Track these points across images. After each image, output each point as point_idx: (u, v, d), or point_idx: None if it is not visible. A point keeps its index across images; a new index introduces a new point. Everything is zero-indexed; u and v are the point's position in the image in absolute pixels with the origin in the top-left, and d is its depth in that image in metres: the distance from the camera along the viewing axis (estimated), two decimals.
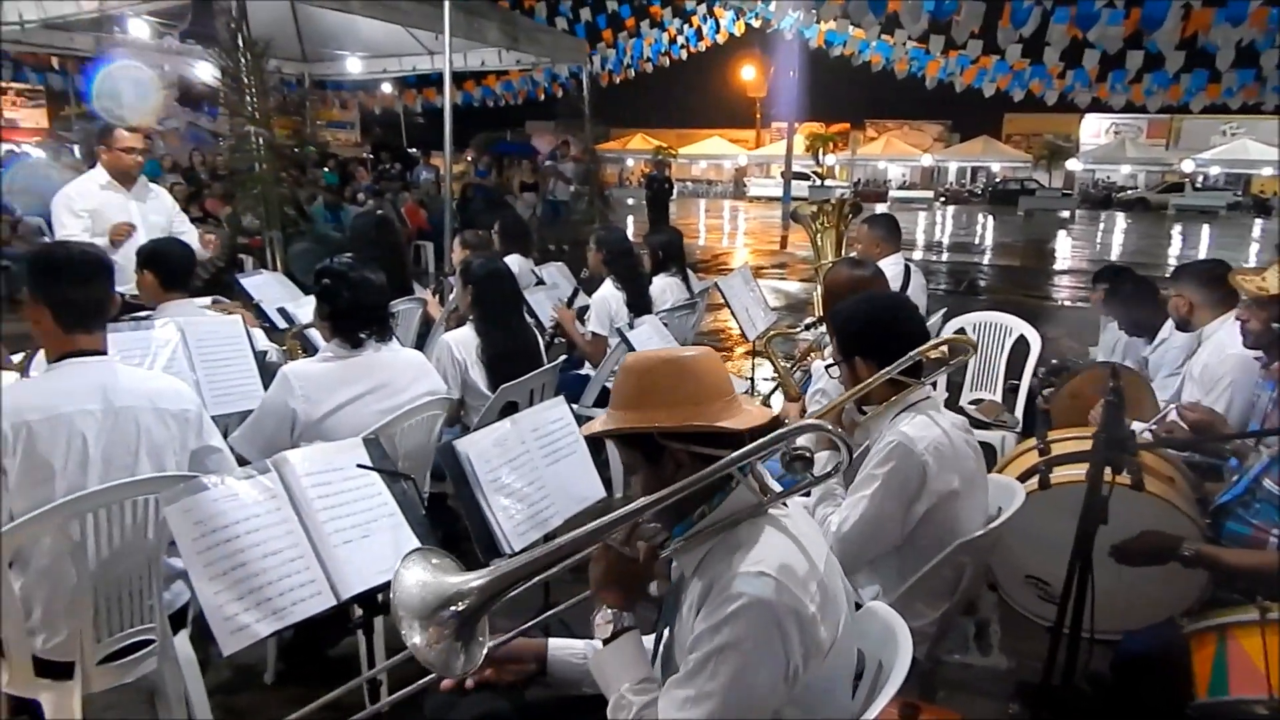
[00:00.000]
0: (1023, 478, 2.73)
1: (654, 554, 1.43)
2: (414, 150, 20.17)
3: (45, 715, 2.03)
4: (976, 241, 21.70)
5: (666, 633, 1.48)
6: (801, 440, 1.40)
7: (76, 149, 13.58)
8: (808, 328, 3.58)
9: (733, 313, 4.85)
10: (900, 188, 42.81)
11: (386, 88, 17.87)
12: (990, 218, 29.57)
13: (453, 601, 1.30)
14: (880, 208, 23.46)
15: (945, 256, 17.35)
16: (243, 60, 7.17)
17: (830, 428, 1.46)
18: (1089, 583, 2.06)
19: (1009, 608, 3.05)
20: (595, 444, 3.31)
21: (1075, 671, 2.19)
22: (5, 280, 8.89)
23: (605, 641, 1.41)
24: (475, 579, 1.34)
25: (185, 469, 2.18)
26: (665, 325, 4.21)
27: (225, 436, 2.54)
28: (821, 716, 1.38)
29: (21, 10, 9.58)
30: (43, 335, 2.09)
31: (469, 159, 15.85)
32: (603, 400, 4.23)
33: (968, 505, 2.10)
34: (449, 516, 3.28)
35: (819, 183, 36.27)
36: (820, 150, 41.23)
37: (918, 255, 16.70)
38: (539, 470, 2.49)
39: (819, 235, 4.89)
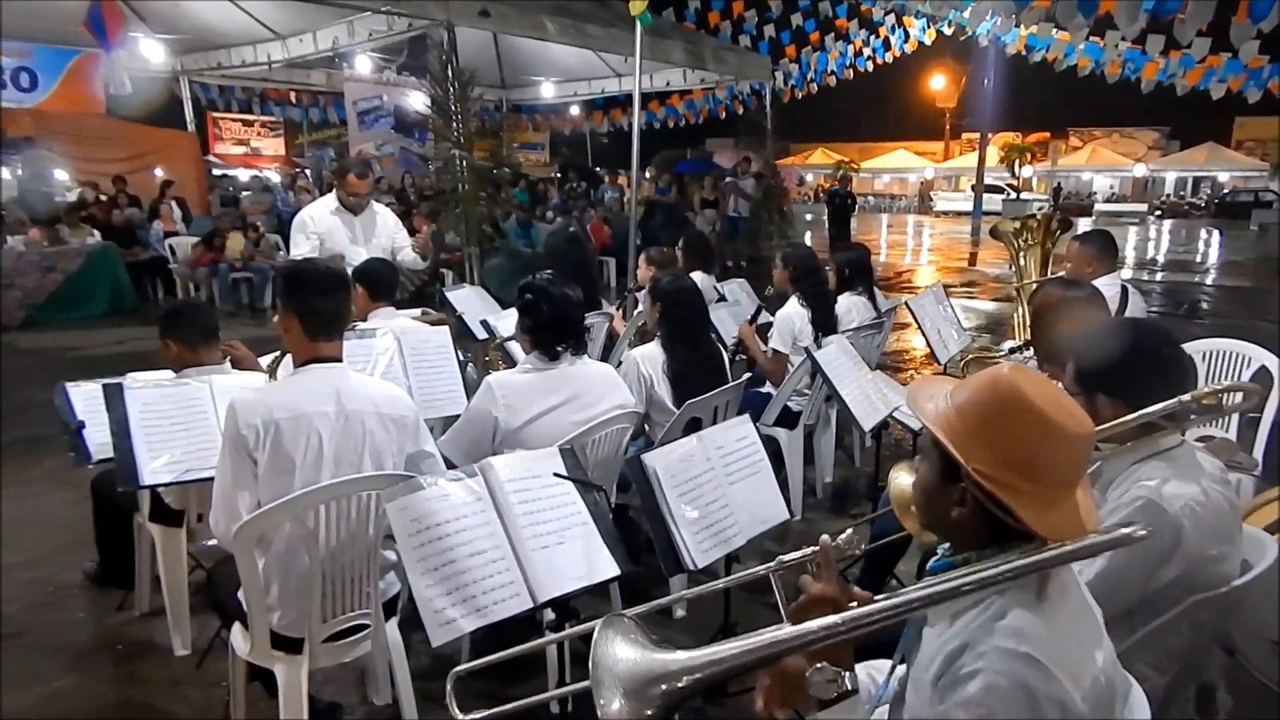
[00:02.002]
0: (1271, 528, 2.42)
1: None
2: (599, 169, 20.94)
3: (278, 683, 2.26)
4: (1198, 259, 19.53)
5: (902, 669, 1.40)
6: None
7: (308, 173, 15.21)
8: (1011, 352, 3.35)
9: (923, 333, 4.64)
10: (1108, 200, 39.42)
11: (574, 110, 18.69)
12: (1215, 233, 26.56)
13: (663, 680, 1.18)
14: (1084, 222, 21.70)
15: (1160, 276, 15.76)
16: (451, 89, 7.75)
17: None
18: None
19: (1242, 672, 2.70)
20: (778, 463, 3.28)
21: None
22: (248, 290, 10.12)
23: (825, 703, 1.25)
24: (693, 662, 1.17)
25: (401, 470, 2.34)
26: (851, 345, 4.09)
27: None
28: None
29: (270, 52, 10.92)
30: (291, 342, 2.32)
31: (649, 177, 16.26)
32: (784, 419, 4.17)
33: (1223, 568, 1.85)
34: (630, 528, 3.34)
35: (1014, 196, 34.06)
36: (1016, 161, 38.75)
37: (1127, 274, 15.27)
38: (723, 488, 2.48)
39: (1021, 253, 4.59)
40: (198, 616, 3.04)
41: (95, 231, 10.10)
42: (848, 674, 1.23)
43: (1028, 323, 3.53)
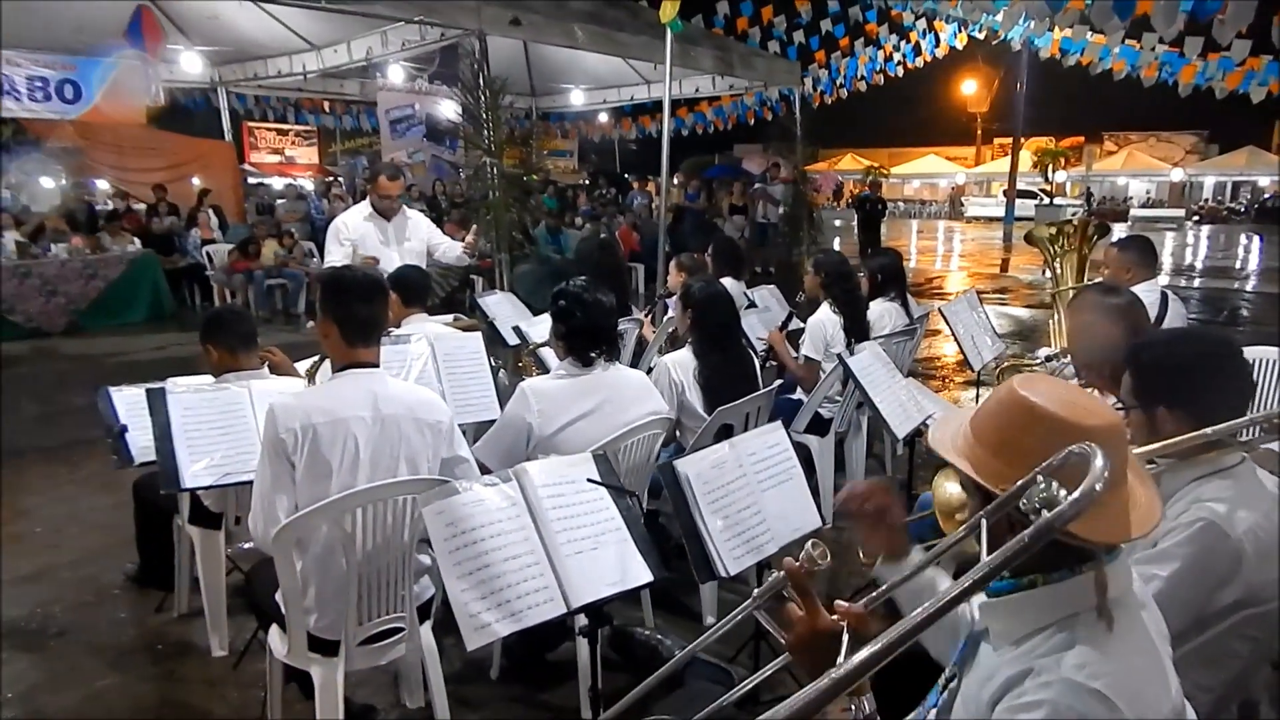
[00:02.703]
0: None
1: (863, 621, 1.22)
2: (628, 176, 20.99)
3: (315, 685, 2.28)
4: (1237, 266, 19.11)
5: (955, 683, 1.35)
6: None
7: (342, 181, 15.43)
8: (1048, 359, 3.31)
9: (957, 340, 4.59)
10: (1143, 205, 38.77)
11: (603, 117, 18.74)
12: (1255, 238, 25.95)
13: None
14: (1120, 228, 21.36)
15: (1199, 282, 15.44)
16: (482, 97, 7.80)
17: None
18: None
19: None
20: (808, 470, 3.26)
21: None
22: (282, 296, 10.26)
23: None
24: None
25: (436, 475, 2.36)
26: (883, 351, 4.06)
27: None
28: None
29: (305, 62, 11.11)
30: (329, 347, 2.35)
31: (678, 183, 16.25)
32: (815, 426, 4.15)
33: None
34: (661, 534, 3.34)
35: (1047, 201, 33.59)
36: (1050, 166, 38.21)
37: (1165, 280, 14.97)
38: (755, 495, 2.48)
39: (1057, 259, 4.53)
40: (235, 618, 3.09)
41: (136, 239, 10.31)
42: (864, 698, 1.19)
43: (1064, 329, 3.49)
